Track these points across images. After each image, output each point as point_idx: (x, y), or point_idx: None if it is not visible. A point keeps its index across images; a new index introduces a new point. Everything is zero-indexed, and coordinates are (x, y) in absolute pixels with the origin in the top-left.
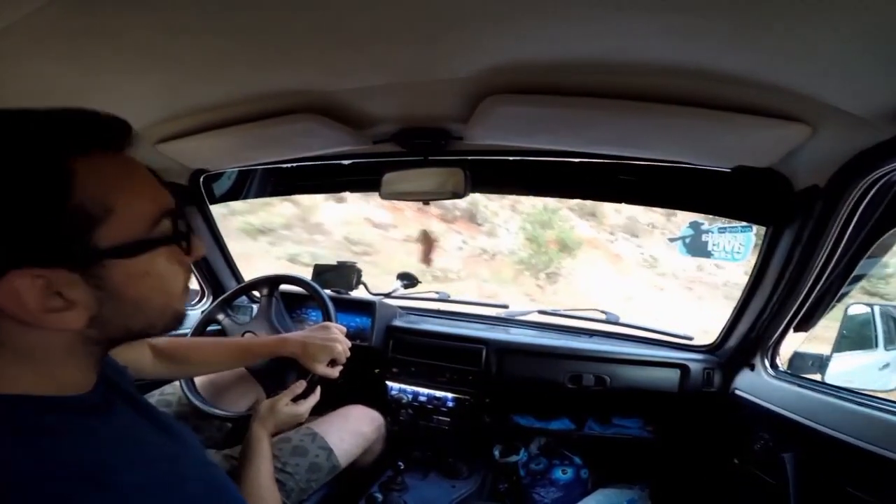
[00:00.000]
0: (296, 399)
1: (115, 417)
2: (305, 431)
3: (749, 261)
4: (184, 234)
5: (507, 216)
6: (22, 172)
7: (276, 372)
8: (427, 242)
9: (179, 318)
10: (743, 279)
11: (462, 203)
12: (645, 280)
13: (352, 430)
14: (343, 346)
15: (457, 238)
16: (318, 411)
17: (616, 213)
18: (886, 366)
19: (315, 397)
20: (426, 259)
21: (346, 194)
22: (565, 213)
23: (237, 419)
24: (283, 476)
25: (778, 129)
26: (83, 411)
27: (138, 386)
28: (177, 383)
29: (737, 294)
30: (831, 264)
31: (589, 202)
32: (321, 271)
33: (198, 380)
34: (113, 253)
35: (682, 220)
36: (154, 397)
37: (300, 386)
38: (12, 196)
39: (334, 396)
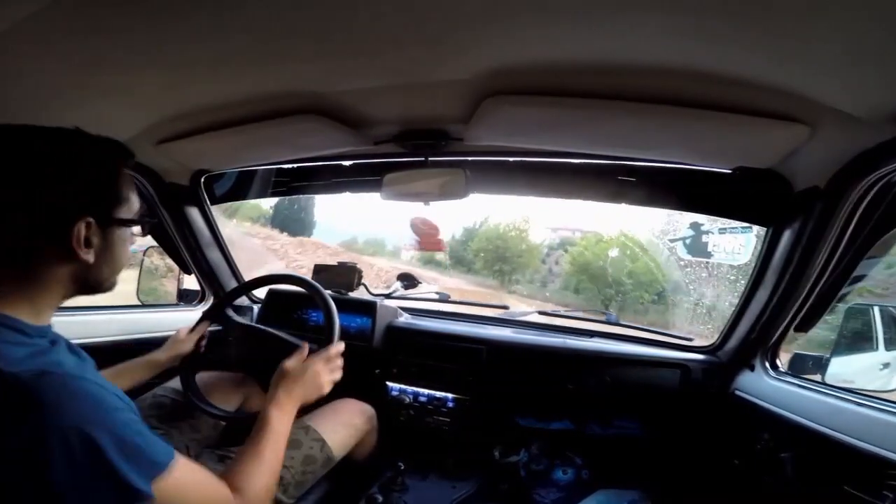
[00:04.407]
0: None
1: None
2: (298, 425)
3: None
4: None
5: None
6: (102, 165)
7: (275, 367)
8: None
9: (115, 283)
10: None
11: None
12: None
13: (343, 422)
14: (334, 375)
15: None
16: (310, 408)
17: None
18: (887, 366)
19: (339, 371)
20: None
21: None
22: None
23: (235, 418)
24: (280, 470)
25: (778, 130)
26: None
27: (131, 390)
28: (171, 383)
29: None
30: (831, 265)
31: None
32: (321, 271)
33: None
34: (120, 222)
35: None
36: (147, 400)
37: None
38: (97, 175)
39: (332, 394)
